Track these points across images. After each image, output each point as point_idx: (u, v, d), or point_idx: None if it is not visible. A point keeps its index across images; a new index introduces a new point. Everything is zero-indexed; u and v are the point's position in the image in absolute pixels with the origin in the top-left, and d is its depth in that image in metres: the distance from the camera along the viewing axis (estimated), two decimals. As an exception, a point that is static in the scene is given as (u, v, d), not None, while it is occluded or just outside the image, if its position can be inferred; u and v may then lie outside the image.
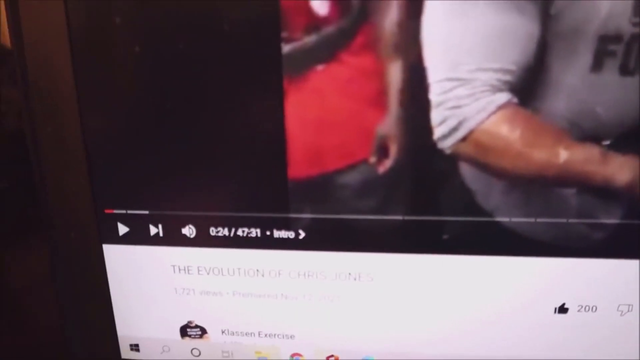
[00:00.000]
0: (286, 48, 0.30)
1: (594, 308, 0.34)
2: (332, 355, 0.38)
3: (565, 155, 0.30)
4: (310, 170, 0.32)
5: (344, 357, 0.38)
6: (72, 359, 0.41)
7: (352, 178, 0.32)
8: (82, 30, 0.31)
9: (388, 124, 0.31)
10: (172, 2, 0.30)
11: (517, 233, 0.33)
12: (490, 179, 0.31)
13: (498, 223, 0.32)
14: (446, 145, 0.31)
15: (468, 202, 0.32)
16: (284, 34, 0.30)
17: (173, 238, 0.36)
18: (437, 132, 0.31)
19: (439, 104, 0.30)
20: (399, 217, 0.33)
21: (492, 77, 0.29)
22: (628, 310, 0.34)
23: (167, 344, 0.40)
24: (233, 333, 0.39)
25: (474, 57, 0.29)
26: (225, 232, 0.35)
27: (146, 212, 0.35)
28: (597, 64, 0.29)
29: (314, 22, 0.30)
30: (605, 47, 0.28)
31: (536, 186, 0.31)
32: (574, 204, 0.32)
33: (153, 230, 0.35)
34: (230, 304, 0.37)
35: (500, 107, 0.30)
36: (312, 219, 0.33)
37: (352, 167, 0.32)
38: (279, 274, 0.36)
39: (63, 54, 0.32)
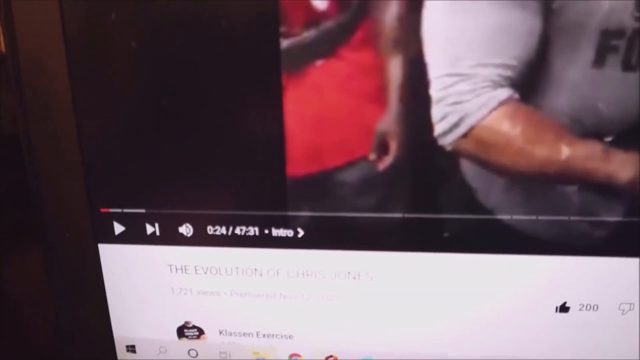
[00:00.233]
0: (285, 43, 0.30)
1: (595, 307, 0.34)
2: (331, 356, 0.38)
3: (567, 151, 0.30)
4: (309, 167, 0.32)
5: (343, 357, 0.38)
6: (68, 360, 0.40)
7: (351, 175, 0.32)
8: (77, 27, 0.31)
9: (388, 121, 0.30)
10: (170, -3, 0.30)
11: (518, 231, 0.32)
12: (491, 176, 0.31)
13: (499, 221, 0.32)
14: (447, 141, 0.30)
15: (469, 200, 0.32)
16: (282, 29, 0.29)
17: (170, 237, 0.35)
18: (438, 129, 0.30)
19: (440, 100, 0.30)
20: (399, 215, 0.32)
21: (493, 73, 0.29)
22: (630, 309, 0.34)
23: (163, 345, 0.39)
24: (231, 333, 0.38)
25: (475, 53, 0.29)
26: (223, 230, 0.34)
27: (142, 210, 0.34)
28: (599, 60, 0.29)
29: (313, 17, 0.29)
30: (608, 42, 0.28)
31: (537, 183, 0.31)
32: (575, 202, 0.31)
33: (149, 229, 0.35)
34: (228, 303, 0.37)
35: (502, 103, 0.29)
36: (311, 217, 0.33)
37: (351, 164, 0.31)
38: (278, 273, 0.35)
39: (57, 51, 0.31)
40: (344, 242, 0.34)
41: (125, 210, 0.35)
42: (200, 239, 0.35)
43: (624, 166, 0.30)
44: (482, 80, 0.29)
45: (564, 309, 0.34)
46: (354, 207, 0.33)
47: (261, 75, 0.31)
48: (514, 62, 0.29)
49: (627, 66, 0.29)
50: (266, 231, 0.34)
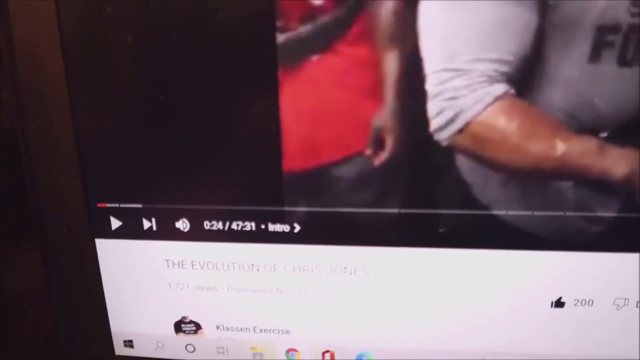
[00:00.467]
0: (281, 38, 0.29)
1: (591, 302, 0.34)
2: (327, 351, 0.38)
3: (563, 147, 0.30)
4: (305, 162, 0.32)
5: (340, 352, 0.37)
6: (66, 356, 0.40)
7: (347, 170, 0.32)
8: (73, 23, 0.31)
9: (384, 116, 0.30)
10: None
11: (514, 226, 0.32)
12: (487, 171, 0.31)
13: (495, 216, 0.32)
14: (443, 137, 0.30)
15: (464, 195, 0.31)
16: (279, 24, 0.29)
17: (166, 232, 0.35)
18: (434, 124, 0.30)
19: (436, 95, 0.29)
20: (395, 211, 0.32)
21: (490, 68, 0.29)
22: (624, 304, 0.33)
23: (161, 340, 0.39)
24: (228, 328, 0.38)
25: (472, 48, 0.29)
26: (220, 225, 0.34)
27: (139, 205, 0.34)
28: (595, 55, 0.28)
29: (310, 12, 0.29)
30: (603, 38, 0.28)
31: (533, 179, 0.31)
32: (571, 197, 0.31)
33: (146, 224, 0.35)
34: (225, 299, 0.37)
35: (498, 98, 0.29)
36: (308, 212, 0.33)
37: (347, 159, 0.31)
38: (274, 268, 0.35)
39: (53, 47, 0.31)
40: (341, 238, 0.34)
41: (122, 205, 0.35)
42: (197, 234, 0.35)
43: (619, 162, 0.30)
44: (479, 76, 0.29)
45: (559, 304, 0.34)
46: (350, 203, 0.32)
47: (257, 70, 0.30)
48: (510, 58, 0.29)
49: (622, 61, 0.28)
50: (263, 226, 0.34)
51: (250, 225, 0.34)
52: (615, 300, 0.33)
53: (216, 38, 0.30)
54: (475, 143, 0.30)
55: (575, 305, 0.34)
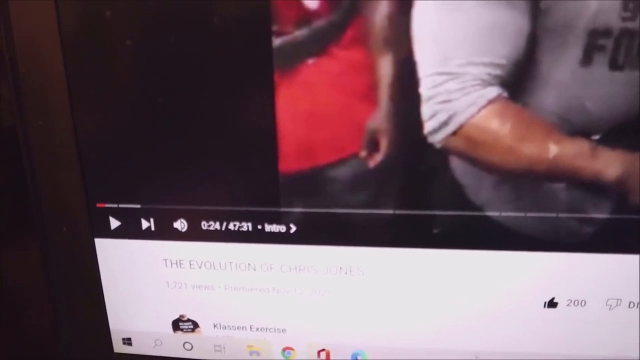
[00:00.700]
0: (277, 42, 0.30)
1: (583, 302, 0.34)
2: (323, 349, 0.38)
3: (555, 149, 0.30)
4: (301, 164, 0.32)
5: (335, 351, 0.38)
6: (65, 354, 0.40)
7: (342, 172, 0.32)
8: (73, 24, 0.31)
9: (378, 118, 0.30)
10: (164, -5, 0.30)
11: (507, 227, 0.32)
12: (481, 173, 0.31)
13: (488, 217, 0.32)
14: (436, 139, 0.30)
15: (458, 197, 0.32)
16: (274, 28, 0.29)
17: (165, 232, 0.35)
18: (428, 127, 0.30)
19: (429, 98, 0.29)
20: (390, 211, 0.32)
21: (483, 71, 0.29)
22: (617, 305, 0.34)
23: (159, 338, 0.39)
24: (225, 327, 0.38)
25: (465, 51, 0.29)
26: (217, 226, 0.34)
27: (138, 205, 0.34)
28: (587, 59, 0.28)
29: (305, 16, 0.29)
30: (595, 42, 0.28)
31: (526, 181, 0.31)
32: (563, 199, 0.31)
33: (145, 224, 0.35)
34: (222, 297, 0.37)
35: (491, 101, 0.29)
36: (303, 213, 0.33)
37: (342, 161, 0.31)
38: (271, 268, 0.35)
39: (54, 48, 0.31)
40: (336, 238, 0.34)
41: (121, 206, 0.35)
42: (195, 234, 0.35)
43: (611, 164, 0.30)
44: (472, 79, 0.29)
45: (552, 304, 0.34)
46: (345, 204, 0.33)
47: (254, 73, 0.31)
48: (503, 61, 0.29)
49: (614, 65, 0.29)
50: (259, 227, 0.34)
51: (247, 226, 0.34)
52: (607, 300, 0.34)
53: (213, 41, 0.30)
54: (468, 145, 0.30)
55: (567, 305, 0.34)
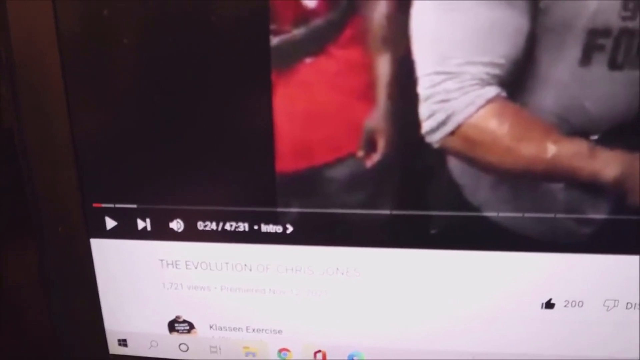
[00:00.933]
0: (275, 40, 0.29)
1: (581, 303, 0.33)
2: (319, 351, 0.37)
3: (553, 149, 0.29)
4: (298, 163, 0.31)
5: (332, 352, 0.37)
6: (62, 354, 0.39)
7: (340, 172, 0.31)
8: (70, 24, 0.30)
9: (376, 118, 0.30)
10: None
11: (505, 228, 0.32)
12: (478, 173, 0.30)
13: (486, 218, 0.31)
14: (434, 139, 0.30)
15: (456, 197, 0.31)
16: (272, 27, 0.29)
17: (161, 232, 0.34)
18: (425, 126, 0.29)
19: (427, 98, 0.29)
20: (387, 212, 0.32)
21: (481, 71, 0.28)
22: (614, 306, 0.33)
23: (155, 339, 0.38)
24: (221, 328, 0.37)
25: (463, 51, 0.28)
26: (213, 226, 0.34)
27: (134, 205, 0.34)
28: (586, 58, 0.28)
29: (303, 15, 0.29)
30: (594, 41, 0.28)
31: (524, 181, 0.30)
32: (561, 199, 0.31)
33: (141, 224, 0.34)
34: (218, 298, 0.36)
35: (489, 101, 0.29)
36: (300, 213, 0.32)
37: (340, 160, 0.31)
38: (267, 268, 0.34)
39: (51, 48, 0.31)
40: (333, 239, 0.33)
41: (117, 206, 0.34)
42: (191, 235, 0.34)
43: (609, 164, 0.30)
44: (470, 78, 0.29)
45: (549, 305, 0.33)
46: (342, 204, 0.32)
47: (251, 72, 0.30)
48: (502, 61, 0.28)
49: (613, 65, 0.28)
50: (256, 227, 0.33)
51: (243, 226, 0.33)
52: (605, 301, 0.33)
53: (211, 40, 0.29)
54: (466, 145, 0.30)
55: (565, 306, 0.33)
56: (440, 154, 0.30)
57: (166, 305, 0.37)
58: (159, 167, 0.33)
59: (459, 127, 0.29)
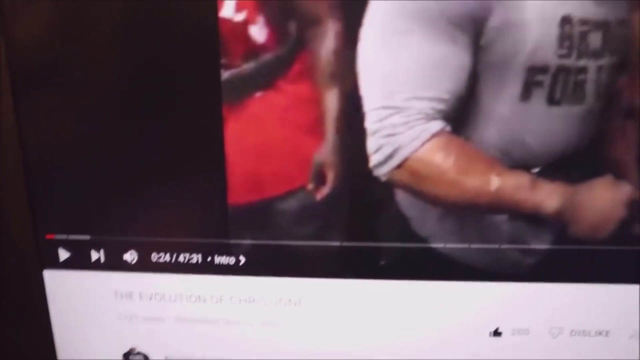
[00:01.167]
0: (225, 75, 0.29)
1: (527, 331, 0.33)
2: (274, 380, 0.36)
3: (497, 182, 0.30)
4: (250, 196, 0.31)
5: (286, 381, 0.36)
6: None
7: (290, 204, 0.31)
8: (22, 56, 0.30)
9: (325, 152, 0.30)
10: (113, 28, 0.29)
11: (452, 259, 0.32)
12: (425, 206, 0.31)
13: (434, 249, 0.32)
14: (382, 172, 0.30)
15: (404, 229, 0.31)
16: (223, 61, 0.29)
17: (115, 263, 0.34)
18: (373, 160, 0.30)
19: (375, 132, 0.29)
20: (337, 243, 0.32)
21: (427, 106, 0.29)
22: (559, 333, 0.33)
23: (109, 371, 0.37)
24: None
25: (409, 86, 0.28)
26: (167, 257, 0.33)
27: (87, 237, 0.33)
28: (526, 94, 0.28)
29: (253, 50, 0.29)
30: (533, 78, 0.28)
31: (470, 213, 0.31)
32: (505, 230, 0.31)
33: (95, 255, 0.34)
34: (173, 329, 0.36)
35: (434, 135, 0.29)
36: (253, 245, 0.32)
37: (290, 193, 0.31)
38: (221, 299, 0.34)
39: (2, 78, 0.30)
40: (285, 270, 0.33)
41: (71, 237, 0.33)
42: (145, 266, 0.34)
43: (550, 196, 0.30)
44: (416, 113, 0.29)
45: (497, 333, 0.33)
46: (293, 236, 0.32)
47: (203, 106, 0.30)
48: (446, 96, 0.29)
49: (551, 101, 0.29)
50: (209, 258, 0.33)
51: (196, 258, 0.33)
52: (550, 329, 0.33)
53: (162, 75, 0.29)
54: (413, 178, 0.30)
55: (512, 334, 0.33)
56: (387, 187, 0.30)
57: (121, 337, 0.36)
58: (112, 198, 0.32)
59: (405, 160, 0.29)
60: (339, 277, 0.33)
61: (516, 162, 0.30)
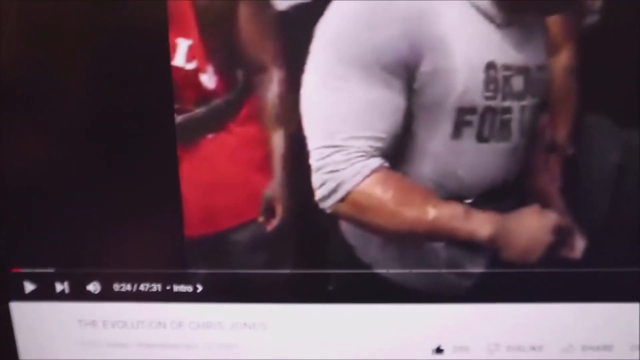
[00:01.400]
0: (179, 118, 0.30)
1: (467, 348, 0.35)
2: (233, 402, 0.38)
3: (433, 212, 0.31)
4: (205, 229, 0.33)
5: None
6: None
7: (243, 236, 0.32)
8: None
9: (274, 187, 0.31)
10: (74, 70, 0.30)
11: (395, 283, 0.33)
12: (368, 235, 0.32)
13: (377, 274, 0.33)
14: (326, 205, 0.31)
15: (349, 256, 0.33)
16: (176, 106, 0.30)
17: (79, 294, 0.35)
18: (318, 194, 0.31)
19: (319, 169, 0.31)
20: (288, 271, 0.33)
21: (365, 144, 0.30)
22: (496, 349, 0.35)
23: (75, 397, 0.38)
24: (140, 383, 0.38)
25: (348, 126, 0.30)
26: (129, 287, 0.34)
27: (52, 270, 0.34)
28: (457, 132, 0.30)
29: (204, 95, 0.30)
30: (463, 118, 0.30)
31: (409, 241, 0.32)
32: (443, 256, 0.33)
33: (59, 287, 0.35)
34: (135, 355, 0.36)
35: (374, 171, 0.31)
36: (209, 274, 0.33)
37: (243, 225, 0.32)
38: (180, 325, 0.35)
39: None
40: (240, 296, 0.34)
41: (36, 270, 0.34)
42: (108, 295, 0.35)
43: (483, 224, 0.32)
44: (356, 151, 0.30)
45: (439, 351, 0.35)
46: (247, 264, 0.33)
47: (159, 147, 0.31)
48: (383, 135, 0.30)
49: (480, 138, 0.31)
50: (168, 287, 0.34)
51: (156, 287, 0.34)
52: (488, 346, 0.35)
53: (122, 119, 0.31)
54: (356, 210, 0.31)
55: (453, 351, 0.35)
56: (333, 218, 0.32)
57: (86, 364, 0.37)
58: (76, 233, 0.33)
59: (348, 194, 0.31)
60: (290, 302, 0.34)
61: (450, 193, 0.31)
